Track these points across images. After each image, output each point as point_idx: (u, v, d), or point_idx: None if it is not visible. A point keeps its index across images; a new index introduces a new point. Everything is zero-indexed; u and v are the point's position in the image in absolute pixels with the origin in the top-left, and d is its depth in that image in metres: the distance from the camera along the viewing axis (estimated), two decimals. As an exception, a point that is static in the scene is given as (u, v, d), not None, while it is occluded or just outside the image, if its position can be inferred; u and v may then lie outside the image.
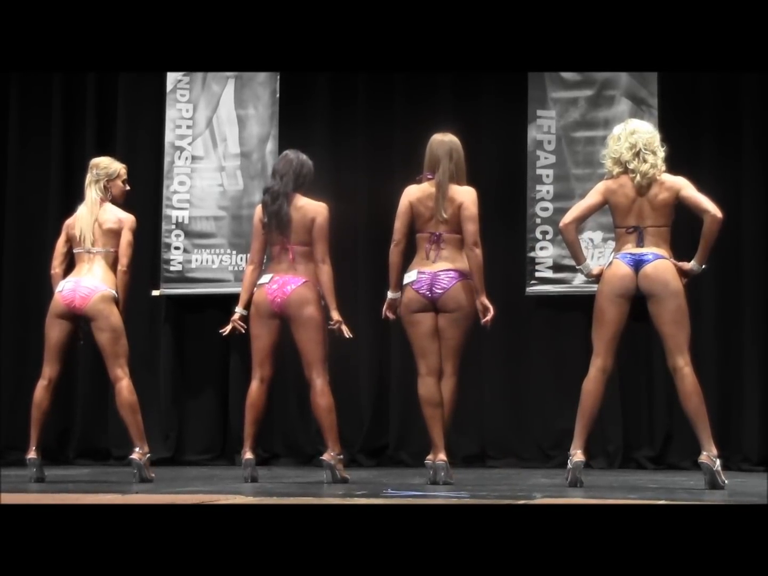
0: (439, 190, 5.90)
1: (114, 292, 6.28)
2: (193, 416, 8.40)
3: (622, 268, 5.66)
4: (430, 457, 5.89)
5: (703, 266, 5.71)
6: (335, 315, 6.14)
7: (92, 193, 6.39)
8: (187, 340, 8.46)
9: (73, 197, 7.24)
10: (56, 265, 6.45)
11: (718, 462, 5.50)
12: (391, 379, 8.15)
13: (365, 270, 8.12)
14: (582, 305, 7.94)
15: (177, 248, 8.33)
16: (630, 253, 5.66)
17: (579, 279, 7.73)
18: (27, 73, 8.42)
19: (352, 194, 8.16)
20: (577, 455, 5.63)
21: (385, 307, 6.05)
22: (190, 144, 8.39)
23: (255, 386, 6.17)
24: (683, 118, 7.88)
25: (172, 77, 8.42)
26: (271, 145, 8.28)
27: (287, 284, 6.10)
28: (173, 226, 8.34)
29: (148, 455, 6.27)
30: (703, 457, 5.49)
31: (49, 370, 6.31)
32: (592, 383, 5.70)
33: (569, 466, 5.64)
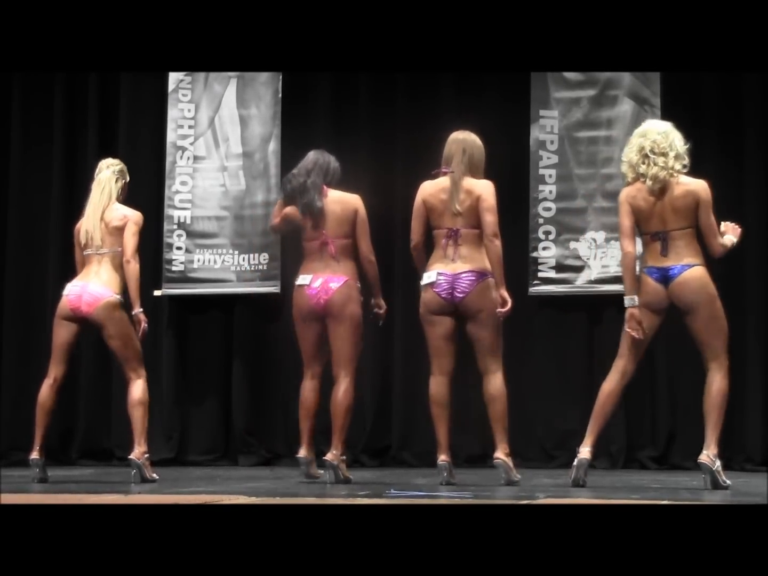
0: (452, 181, 5.89)
1: (119, 296, 6.26)
2: (196, 417, 8.38)
3: (649, 285, 5.64)
4: (443, 457, 5.87)
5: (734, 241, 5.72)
6: (382, 302, 6.28)
7: (112, 187, 6.35)
8: (189, 340, 8.44)
9: (76, 197, 7.24)
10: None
11: (717, 462, 5.50)
12: (395, 379, 8.14)
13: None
14: (585, 305, 7.95)
15: (179, 248, 8.32)
16: (656, 267, 5.63)
17: (582, 279, 7.73)
18: (29, 73, 8.42)
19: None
20: (583, 452, 5.64)
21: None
22: (192, 144, 8.39)
23: (307, 384, 6.22)
24: (686, 118, 7.81)
25: (173, 77, 8.41)
26: (273, 145, 8.27)
27: (328, 283, 6.09)
28: (175, 226, 8.32)
29: (147, 455, 6.25)
30: (703, 457, 5.49)
31: (55, 370, 6.31)
32: (608, 383, 5.74)
33: (575, 462, 5.64)
